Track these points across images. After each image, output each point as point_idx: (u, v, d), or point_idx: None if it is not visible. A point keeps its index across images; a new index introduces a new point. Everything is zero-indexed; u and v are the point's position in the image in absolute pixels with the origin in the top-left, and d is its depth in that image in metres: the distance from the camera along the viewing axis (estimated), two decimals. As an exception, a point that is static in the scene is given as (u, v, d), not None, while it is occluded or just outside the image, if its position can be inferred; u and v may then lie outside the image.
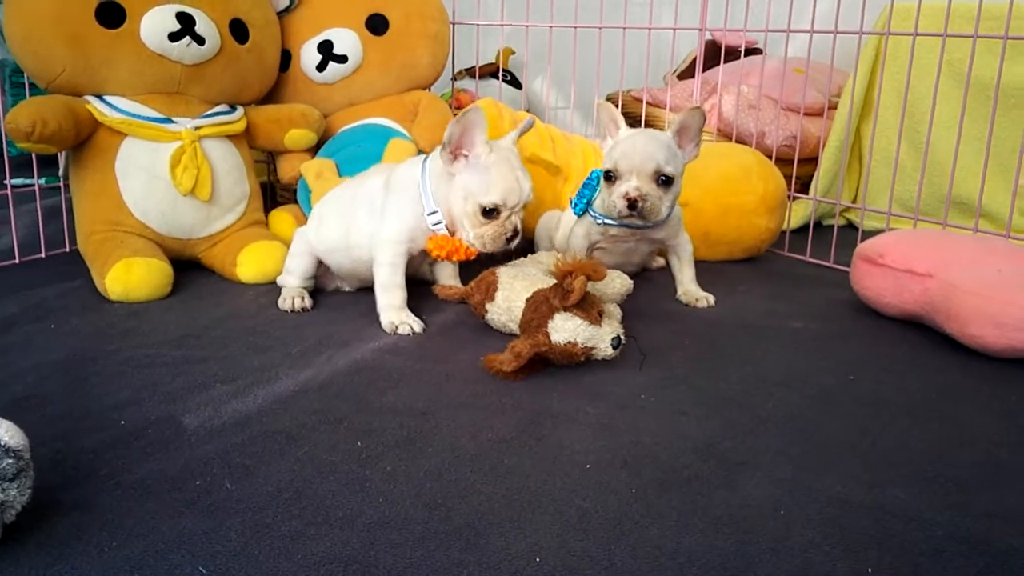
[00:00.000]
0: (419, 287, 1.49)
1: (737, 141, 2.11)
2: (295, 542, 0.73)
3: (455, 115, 1.69)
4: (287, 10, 1.71)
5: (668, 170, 1.37)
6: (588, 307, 1.11)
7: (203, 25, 1.47)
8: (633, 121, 2.28)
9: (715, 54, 2.56)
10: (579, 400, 1.05)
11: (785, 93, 2.19)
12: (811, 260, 1.78)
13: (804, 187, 2.17)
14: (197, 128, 1.49)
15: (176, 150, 1.45)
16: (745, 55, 2.41)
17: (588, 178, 1.49)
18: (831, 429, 0.98)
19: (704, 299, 1.48)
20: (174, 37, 1.44)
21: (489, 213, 1.27)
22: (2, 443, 0.69)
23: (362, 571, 0.70)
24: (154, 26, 1.43)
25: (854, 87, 2.10)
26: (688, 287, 1.51)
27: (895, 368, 1.18)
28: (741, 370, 1.16)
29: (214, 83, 1.54)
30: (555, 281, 1.15)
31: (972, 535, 0.77)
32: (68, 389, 1.05)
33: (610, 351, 1.12)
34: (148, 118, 1.46)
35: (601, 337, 1.11)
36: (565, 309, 1.10)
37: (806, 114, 2.20)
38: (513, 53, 3.14)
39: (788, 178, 1.84)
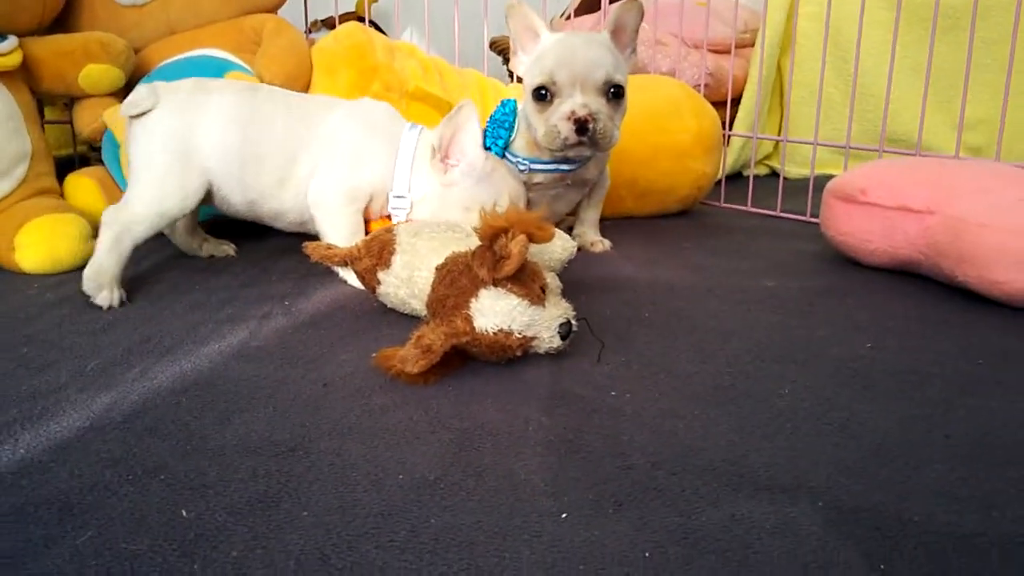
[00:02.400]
0: (283, 247, 1.13)
1: (647, 82, 1.82)
2: None
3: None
4: (74, -91, 1.28)
5: (619, 79, 1.07)
6: (527, 280, 0.77)
7: (-62, -90, 1.03)
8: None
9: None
10: (526, 406, 0.71)
11: (689, 28, 1.93)
12: (755, 210, 1.51)
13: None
14: (-57, 61, 1.05)
15: (-92, 91, 1.01)
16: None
17: (497, 112, 1.15)
18: (878, 421, 0.69)
19: (600, 243, 1.24)
20: None
21: None
22: None
23: None
24: None
25: (762, 23, 1.85)
26: (587, 228, 1.26)
27: (911, 330, 0.91)
28: (728, 346, 0.86)
29: (-34, -2, 1.10)
30: (474, 243, 0.81)
31: None
32: None
33: (557, 341, 0.78)
34: None
35: (545, 323, 0.77)
36: (496, 283, 0.76)
37: (714, 51, 1.94)
38: (376, 1, 2.75)
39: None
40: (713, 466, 0.61)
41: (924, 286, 1.06)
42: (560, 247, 0.93)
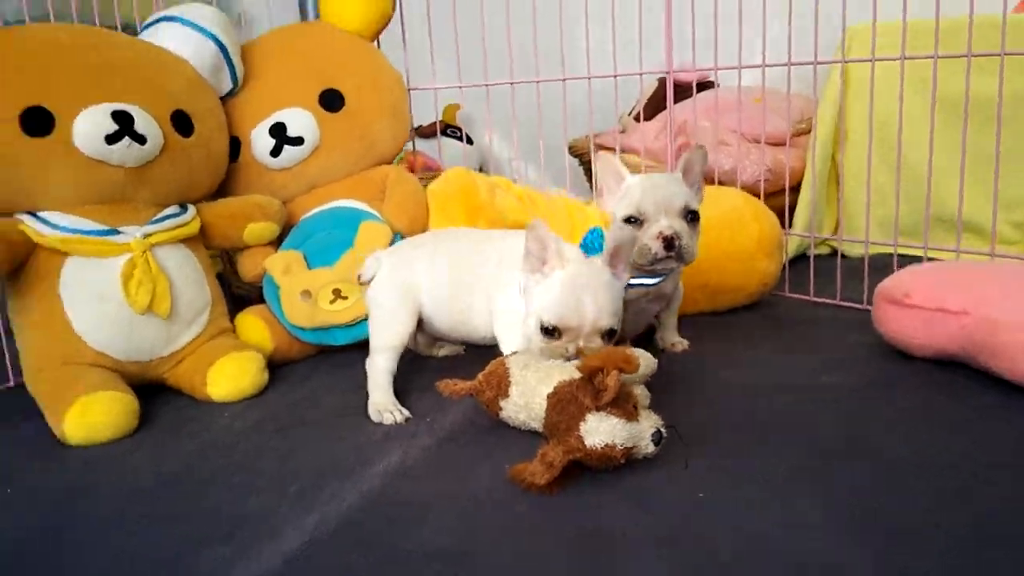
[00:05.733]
0: (419, 367, 1.35)
1: (714, 180, 2.03)
2: None
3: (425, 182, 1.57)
4: (231, 93, 1.57)
5: (694, 205, 1.31)
6: (622, 402, 0.98)
7: (142, 122, 1.32)
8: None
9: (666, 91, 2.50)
10: (630, 509, 0.92)
11: (748, 125, 2.13)
12: (816, 300, 1.69)
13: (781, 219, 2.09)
14: (147, 236, 1.34)
15: (127, 264, 1.30)
16: (698, 90, 2.35)
17: (587, 239, 1.37)
18: (926, 513, 0.87)
19: (679, 343, 1.47)
20: (112, 139, 1.29)
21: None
22: None
23: None
24: (89, 129, 1.28)
25: (816, 118, 2.04)
26: (667, 332, 1.49)
27: (959, 423, 1.09)
28: (796, 444, 1.05)
29: (161, 184, 1.39)
30: (572, 368, 1.04)
31: None
32: (48, 565, 0.88)
33: (652, 448, 0.99)
34: (91, 232, 1.30)
35: (641, 434, 0.98)
36: (598, 409, 0.98)
37: (771, 144, 2.14)
38: (460, 108, 3.04)
39: (774, 211, 1.77)
40: (778, 550, 0.81)
41: (966, 375, 1.23)
42: (644, 364, 1.13)
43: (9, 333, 1.37)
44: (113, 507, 1.02)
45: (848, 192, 2.07)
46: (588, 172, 2.36)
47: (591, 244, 1.35)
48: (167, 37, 1.47)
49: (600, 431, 0.97)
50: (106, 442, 1.20)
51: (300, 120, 1.56)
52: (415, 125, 2.91)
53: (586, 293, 1.15)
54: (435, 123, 2.99)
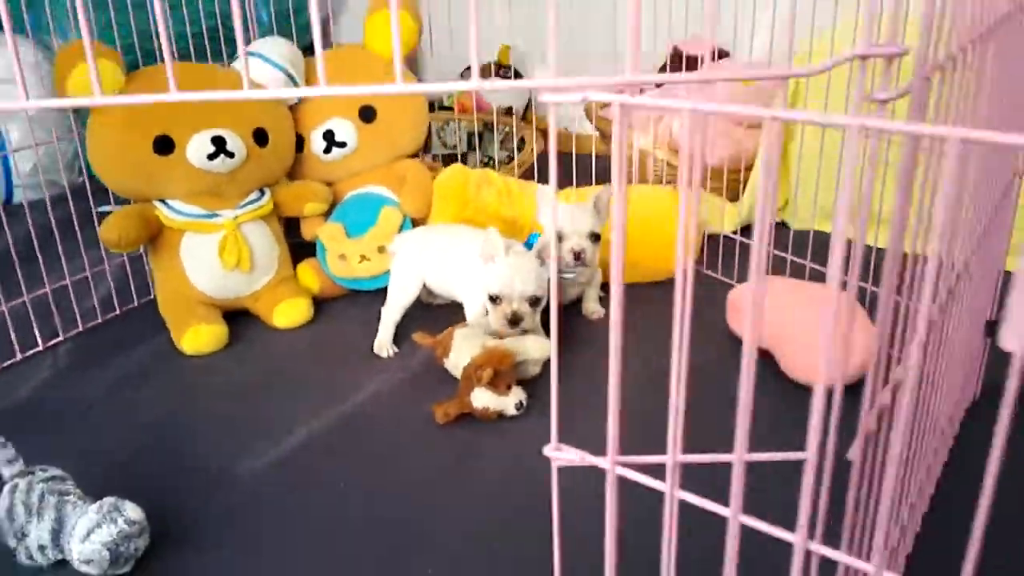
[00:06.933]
0: (413, 318, 2.00)
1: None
2: (318, 554, 1.29)
3: (433, 172, 2.16)
4: (297, 103, 2.18)
5: (597, 230, 1.90)
6: (499, 382, 1.60)
7: (232, 142, 1.96)
8: (602, 133, 2.71)
9: (682, 60, 2.92)
10: (494, 438, 1.57)
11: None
12: (721, 279, 2.22)
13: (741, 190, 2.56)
14: (236, 217, 2.01)
15: (221, 239, 1.98)
16: (713, 59, 2.76)
17: (529, 241, 1.96)
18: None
19: (597, 312, 2.05)
20: (211, 157, 1.94)
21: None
22: (131, 518, 1.25)
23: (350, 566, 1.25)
24: (196, 151, 1.93)
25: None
26: (589, 303, 2.07)
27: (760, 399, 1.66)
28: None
29: (246, 181, 2.04)
30: (492, 346, 1.66)
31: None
32: (165, 442, 1.61)
33: (515, 412, 1.62)
34: (199, 215, 1.98)
35: (507, 404, 1.61)
36: (481, 386, 1.61)
37: (749, 127, 2.58)
38: (509, 48, 3.52)
39: (730, 183, 2.30)
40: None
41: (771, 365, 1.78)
42: (540, 352, 1.72)
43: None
44: (209, 402, 1.75)
45: (793, 177, 2.52)
46: (599, 132, 2.87)
47: (530, 242, 1.95)
48: (250, 69, 2.07)
49: (481, 399, 1.61)
50: (208, 354, 1.93)
51: (344, 128, 2.16)
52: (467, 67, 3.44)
53: (518, 273, 1.75)
54: (490, 64, 3.49)
